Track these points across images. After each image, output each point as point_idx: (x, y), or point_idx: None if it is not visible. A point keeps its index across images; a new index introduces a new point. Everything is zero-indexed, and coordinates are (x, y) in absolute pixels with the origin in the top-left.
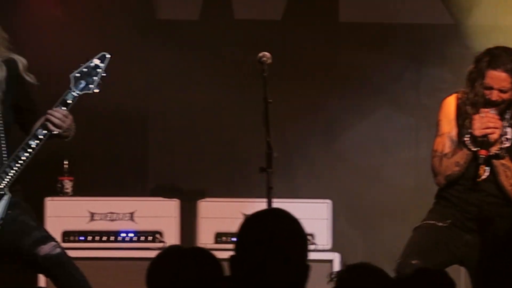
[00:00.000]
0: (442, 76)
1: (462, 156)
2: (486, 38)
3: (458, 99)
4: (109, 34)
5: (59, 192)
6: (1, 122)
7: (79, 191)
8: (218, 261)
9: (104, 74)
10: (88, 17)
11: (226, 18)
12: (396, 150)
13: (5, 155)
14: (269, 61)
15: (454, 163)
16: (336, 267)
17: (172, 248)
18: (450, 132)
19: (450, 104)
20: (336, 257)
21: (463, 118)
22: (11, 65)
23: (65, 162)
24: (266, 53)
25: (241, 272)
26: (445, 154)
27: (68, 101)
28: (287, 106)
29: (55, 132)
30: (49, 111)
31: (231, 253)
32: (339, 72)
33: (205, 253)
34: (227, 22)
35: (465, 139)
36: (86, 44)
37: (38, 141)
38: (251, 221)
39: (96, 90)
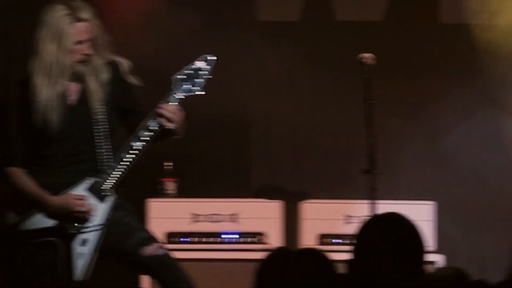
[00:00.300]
0: None
1: None
2: None
3: None
4: (212, 36)
5: (159, 193)
6: (106, 123)
7: (181, 192)
8: (330, 261)
9: (210, 77)
10: (190, 20)
11: (327, 19)
12: (501, 152)
13: (110, 157)
14: (371, 62)
15: None
16: None
17: (283, 249)
18: None
19: None
20: (440, 259)
21: None
22: (114, 67)
23: (166, 164)
24: (367, 54)
25: (357, 275)
26: None
27: (171, 103)
28: (390, 107)
29: (168, 127)
30: (161, 106)
31: (339, 255)
32: (441, 72)
33: (317, 254)
34: (328, 23)
35: None
36: (187, 46)
37: (147, 138)
38: (368, 225)
39: (201, 92)
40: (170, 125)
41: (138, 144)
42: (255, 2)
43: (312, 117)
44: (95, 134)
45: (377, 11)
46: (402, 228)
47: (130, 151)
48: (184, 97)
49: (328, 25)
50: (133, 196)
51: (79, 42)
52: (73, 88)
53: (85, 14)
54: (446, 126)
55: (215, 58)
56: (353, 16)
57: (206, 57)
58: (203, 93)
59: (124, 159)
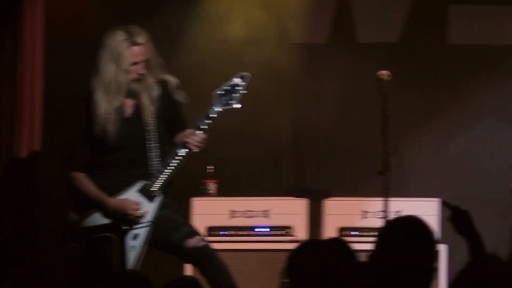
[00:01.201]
0: None
1: None
2: None
3: None
4: (249, 56)
5: (202, 193)
6: (156, 134)
7: (221, 192)
8: (352, 250)
9: (245, 91)
10: (226, 42)
11: (350, 42)
12: (502, 156)
13: (159, 163)
14: (388, 78)
15: None
16: (444, 258)
17: (312, 240)
18: None
19: None
20: (444, 249)
21: None
22: (164, 85)
23: (208, 167)
24: (384, 71)
25: (377, 268)
26: None
27: (211, 115)
28: (403, 117)
29: (194, 150)
30: (190, 135)
31: (357, 245)
32: (449, 87)
33: (342, 243)
34: (351, 45)
35: None
36: (225, 68)
37: (181, 156)
38: (389, 226)
39: (238, 106)
40: (195, 149)
41: (182, 151)
42: (291, 26)
43: (335, 125)
44: (146, 143)
45: (394, 34)
46: (417, 230)
47: (176, 158)
48: (222, 110)
49: (351, 46)
50: (179, 195)
51: (134, 63)
52: (129, 104)
53: (141, 39)
54: (451, 134)
55: (249, 75)
56: (372, 39)
57: (242, 74)
58: (240, 106)
59: (170, 164)
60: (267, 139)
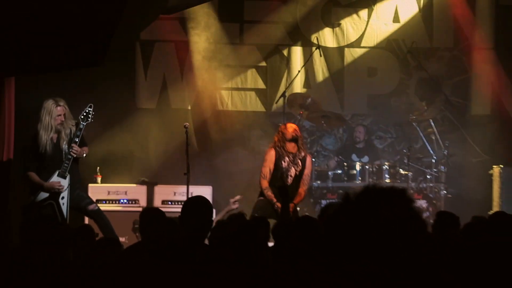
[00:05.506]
0: None
1: None
2: None
3: None
4: None
5: (93, 181)
6: (66, 150)
7: (103, 181)
8: None
9: (93, 113)
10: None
11: None
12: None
13: (66, 162)
14: None
15: None
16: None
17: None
18: None
19: None
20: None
21: None
22: (74, 126)
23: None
24: None
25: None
26: None
27: (78, 133)
28: None
29: (76, 156)
30: (72, 147)
31: None
32: None
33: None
34: None
35: None
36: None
37: (70, 157)
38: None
39: (89, 122)
40: (73, 155)
41: (70, 155)
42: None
43: None
44: (63, 155)
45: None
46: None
47: (68, 158)
48: (83, 128)
49: None
50: (83, 182)
51: (58, 115)
52: (54, 136)
53: (61, 102)
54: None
55: (92, 105)
56: None
57: (90, 104)
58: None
59: (67, 161)
60: None
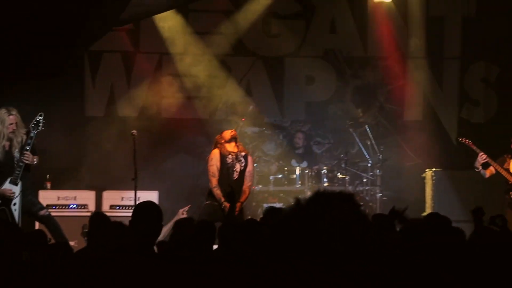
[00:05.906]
0: None
1: None
2: None
3: None
4: None
5: (44, 188)
6: (18, 158)
7: (52, 187)
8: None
9: (44, 121)
10: None
11: None
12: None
13: (17, 169)
14: None
15: None
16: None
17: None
18: None
19: None
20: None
21: None
22: (26, 134)
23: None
24: None
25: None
26: None
27: (29, 141)
28: None
29: (27, 163)
30: (24, 154)
31: None
32: None
33: None
34: None
35: None
36: None
37: (22, 164)
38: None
39: (40, 129)
40: (26, 162)
41: (22, 162)
42: None
43: None
44: (15, 162)
45: None
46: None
47: (20, 165)
48: (34, 136)
49: None
50: (35, 188)
51: (11, 124)
52: (7, 144)
53: (13, 112)
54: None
55: (43, 113)
56: None
57: (41, 113)
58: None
59: (18, 168)
60: None
